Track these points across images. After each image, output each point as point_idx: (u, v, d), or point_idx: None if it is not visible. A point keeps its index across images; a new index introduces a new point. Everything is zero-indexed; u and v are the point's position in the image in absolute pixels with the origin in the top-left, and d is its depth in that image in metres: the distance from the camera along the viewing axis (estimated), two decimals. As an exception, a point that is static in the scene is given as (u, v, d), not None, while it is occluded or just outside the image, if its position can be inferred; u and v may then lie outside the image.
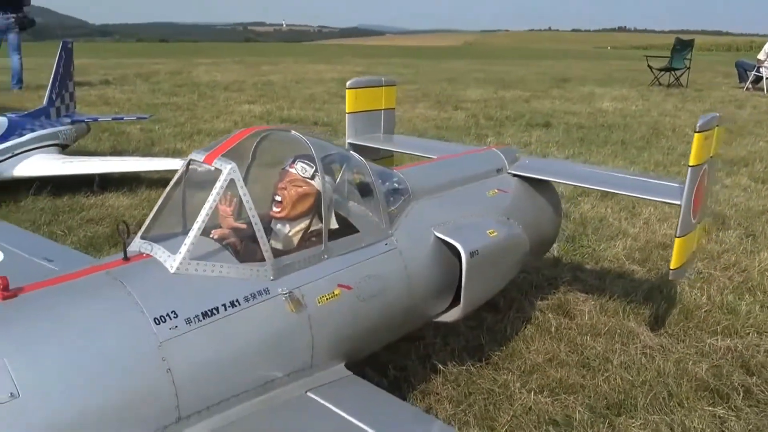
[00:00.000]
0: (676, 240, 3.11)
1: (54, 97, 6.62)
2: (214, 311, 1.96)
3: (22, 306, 1.78)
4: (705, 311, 3.96)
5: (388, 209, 2.67)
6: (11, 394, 1.57)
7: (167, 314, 1.87)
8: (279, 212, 2.42)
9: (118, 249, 2.37)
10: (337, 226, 2.51)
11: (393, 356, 3.32)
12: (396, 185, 2.86)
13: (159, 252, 2.04)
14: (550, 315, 3.88)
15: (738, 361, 3.43)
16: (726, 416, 2.99)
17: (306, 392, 2.15)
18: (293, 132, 2.46)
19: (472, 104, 13.43)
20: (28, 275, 2.07)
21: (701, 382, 3.22)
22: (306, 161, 2.43)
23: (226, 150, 2.17)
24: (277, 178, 2.47)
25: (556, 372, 3.28)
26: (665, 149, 9.04)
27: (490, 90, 16.12)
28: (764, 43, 17.33)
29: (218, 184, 2.08)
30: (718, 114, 3.20)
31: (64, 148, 6.45)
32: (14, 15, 11.76)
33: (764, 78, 16.49)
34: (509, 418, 2.91)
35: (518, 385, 3.16)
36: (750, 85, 16.93)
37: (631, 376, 3.27)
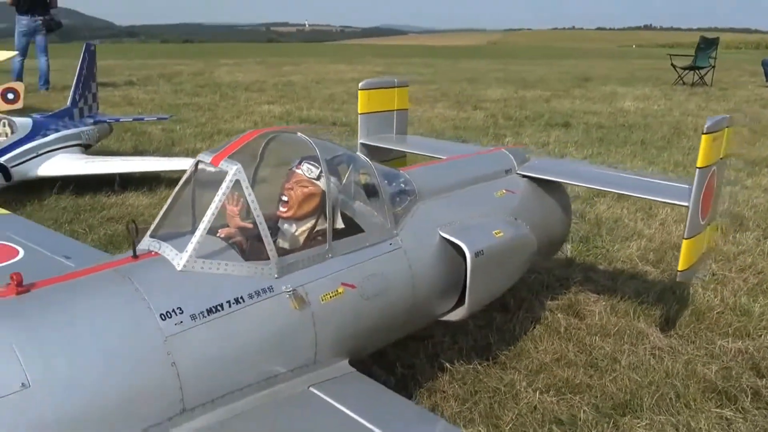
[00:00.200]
0: (684, 241, 3.11)
1: (77, 98, 6.78)
2: (219, 308, 2.03)
3: (35, 301, 1.86)
4: (717, 313, 3.94)
5: (393, 209, 2.72)
6: (22, 384, 1.65)
7: (173, 310, 1.94)
8: (286, 212, 2.48)
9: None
10: (342, 226, 2.56)
11: (401, 354, 3.37)
12: (402, 186, 2.90)
13: (167, 250, 2.11)
14: (559, 315, 3.89)
15: (748, 363, 3.42)
16: (733, 418, 2.98)
17: (309, 388, 2.20)
18: (299, 134, 2.52)
19: (492, 104, 13.40)
20: (46, 272, 2.15)
21: (709, 384, 3.22)
22: (312, 162, 2.48)
23: (232, 152, 2.24)
24: (285, 178, 2.53)
25: (563, 372, 3.30)
26: (686, 149, 8.95)
27: (511, 90, 16.06)
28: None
29: (224, 185, 2.14)
30: (728, 115, 3.19)
31: (87, 148, 6.60)
32: (41, 18, 12.01)
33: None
34: (514, 417, 2.94)
35: (524, 384, 3.18)
36: (776, 84, 16.66)
37: (639, 377, 3.27)
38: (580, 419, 2.93)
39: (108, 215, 5.43)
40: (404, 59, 30.75)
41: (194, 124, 9.94)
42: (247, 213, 2.28)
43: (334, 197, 2.53)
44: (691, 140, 9.63)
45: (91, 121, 6.81)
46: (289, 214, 2.48)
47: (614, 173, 3.85)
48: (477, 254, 2.76)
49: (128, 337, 1.87)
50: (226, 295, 2.07)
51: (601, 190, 3.93)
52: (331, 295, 2.32)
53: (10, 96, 8.65)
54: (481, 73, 21.93)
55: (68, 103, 6.77)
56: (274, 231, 2.51)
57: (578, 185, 3.73)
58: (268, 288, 2.16)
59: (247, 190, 2.18)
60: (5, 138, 5.62)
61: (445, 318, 2.98)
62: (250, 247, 2.26)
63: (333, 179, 2.53)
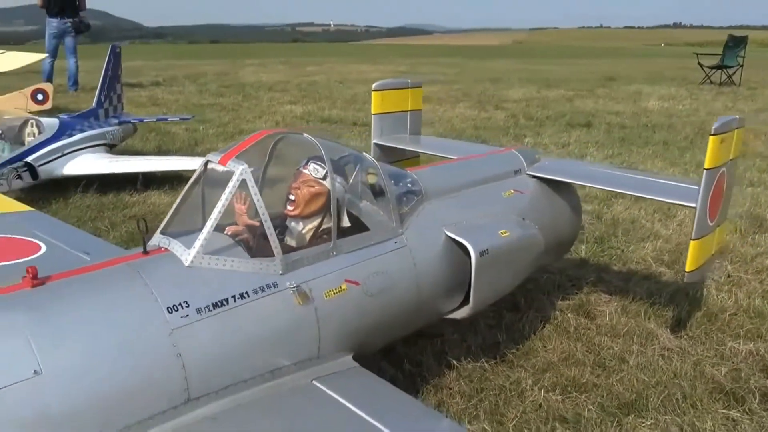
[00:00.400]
0: (691, 242, 3.12)
1: (102, 99, 6.96)
2: (224, 302, 2.11)
3: (49, 293, 1.96)
4: (730, 314, 3.92)
5: (399, 209, 2.77)
6: (35, 371, 1.75)
7: (179, 304, 2.02)
8: (293, 211, 2.55)
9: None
10: (349, 225, 2.62)
11: (409, 351, 3.42)
12: (409, 186, 2.96)
13: (175, 246, 2.20)
14: (569, 315, 3.90)
15: (759, 365, 3.41)
16: (740, 419, 2.98)
17: (312, 381, 2.27)
18: (305, 135, 2.59)
19: (514, 104, 13.37)
20: (65, 266, 2.25)
21: (717, 385, 3.21)
22: (318, 162, 2.55)
23: (239, 152, 2.32)
24: (292, 178, 2.61)
25: (570, 371, 3.32)
26: (708, 150, 8.84)
27: (533, 89, 15.99)
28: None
29: (230, 184, 2.22)
30: (737, 117, 3.18)
31: (112, 148, 6.76)
32: (71, 20, 12.30)
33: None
34: (518, 414, 2.97)
35: (530, 382, 3.21)
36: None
37: (646, 377, 3.28)
38: (584, 418, 2.96)
39: (130, 213, 5.57)
40: (428, 59, 30.76)
41: (217, 124, 10.11)
42: (254, 211, 2.35)
43: (340, 196, 2.59)
44: (715, 141, 9.51)
45: (116, 121, 6.98)
46: (296, 212, 2.55)
47: (623, 174, 3.86)
48: (482, 253, 2.80)
49: (136, 329, 1.95)
50: (232, 290, 2.14)
51: (609, 190, 3.93)
52: (334, 291, 2.39)
53: (40, 97, 8.90)
54: (505, 72, 21.85)
55: (94, 103, 6.95)
56: (282, 229, 2.59)
57: (587, 186, 3.74)
58: (273, 284, 2.24)
59: (253, 190, 2.25)
60: (33, 138, 5.79)
61: (451, 316, 3.02)
62: (256, 244, 2.33)
63: (339, 179, 2.59)
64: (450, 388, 3.18)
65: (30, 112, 7.95)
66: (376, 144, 4.30)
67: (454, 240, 2.84)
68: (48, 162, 5.77)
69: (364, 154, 2.86)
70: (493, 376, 3.28)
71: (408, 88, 4.40)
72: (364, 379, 2.42)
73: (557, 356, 3.47)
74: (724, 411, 3.03)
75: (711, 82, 17.22)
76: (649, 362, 3.42)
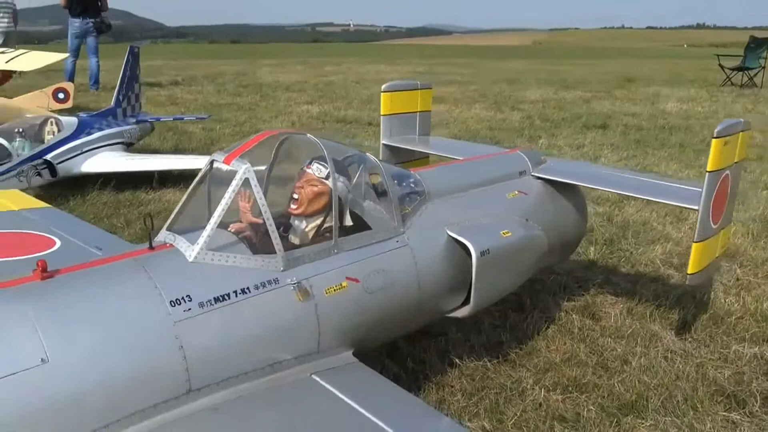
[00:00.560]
0: (694, 245, 3.13)
1: (121, 98, 7.10)
2: (226, 297, 2.18)
3: (58, 285, 2.04)
4: (736, 318, 3.91)
5: (401, 208, 2.82)
6: (42, 359, 1.83)
7: (182, 298, 2.09)
8: (296, 209, 2.62)
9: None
10: (351, 224, 2.68)
11: (413, 350, 3.47)
12: (412, 186, 3.01)
13: (180, 242, 2.27)
14: (574, 316, 3.92)
15: (762, 369, 3.40)
16: (740, 421, 2.99)
17: (311, 375, 2.33)
18: (308, 135, 2.66)
19: (530, 105, 13.35)
20: (77, 261, 2.34)
21: (719, 388, 3.22)
22: (321, 162, 2.61)
23: (243, 151, 2.38)
24: (296, 177, 2.67)
25: (572, 371, 3.34)
26: (725, 153, 8.77)
27: (551, 91, 15.94)
28: None
29: (234, 183, 2.29)
30: (742, 119, 3.19)
31: (129, 146, 6.89)
32: (93, 20, 12.52)
33: None
34: (518, 413, 3.00)
35: (531, 381, 3.25)
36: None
37: (648, 379, 3.30)
38: (584, 417, 2.98)
39: (145, 211, 5.68)
40: (447, 59, 30.76)
41: (233, 124, 10.23)
42: (257, 210, 2.41)
43: (343, 196, 2.65)
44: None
45: (134, 120, 7.12)
46: (299, 211, 2.61)
47: (628, 176, 3.87)
48: (482, 253, 2.84)
49: (140, 321, 2.03)
50: (233, 285, 2.21)
51: (613, 192, 3.95)
52: (335, 288, 2.44)
53: (61, 96, 9.09)
54: (523, 73, 21.79)
55: (112, 103, 7.09)
56: (286, 227, 2.65)
57: (591, 187, 3.76)
58: (274, 280, 2.30)
59: (256, 188, 2.32)
60: (52, 136, 5.93)
61: (452, 315, 3.06)
62: (258, 241, 2.39)
63: (342, 179, 2.65)
64: (452, 386, 3.22)
65: (51, 111, 8.15)
66: (384, 144, 4.35)
67: (455, 240, 2.89)
68: (67, 160, 5.90)
69: (368, 154, 2.92)
70: (494, 374, 3.32)
71: (417, 89, 4.45)
72: (363, 374, 2.47)
73: (560, 356, 3.50)
74: (724, 413, 3.04)
75: (732, 84, 17.04)
76: (652, 364, 3.43)
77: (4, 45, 11.78)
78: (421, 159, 4.56)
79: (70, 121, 6.19)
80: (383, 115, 4.36)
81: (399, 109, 4.39)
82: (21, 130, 5.69)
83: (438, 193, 3.05)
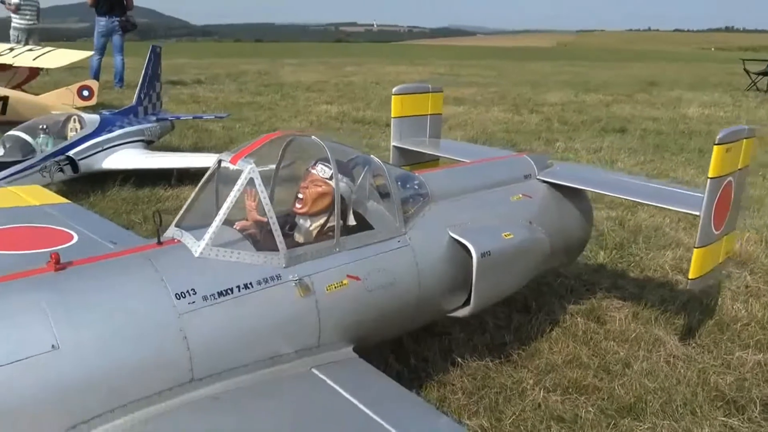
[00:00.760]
0: (695, 250, 3.15)
1: (142, 96, 7.27)
2: (229, 291, 2.27)
3: (69, 276, 2.15)
4: (742, 325, 3.92)
5: (404, 209, 2.89)
6: (53, 345, 1.93)
7: (187, 291, 2.19)
8: (301, 208, 2.70)
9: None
10: (354, 223, 2.76)
11: (417, 348, 3.54)
12: (416, 188, 3.08)
13: (187, 238, 2.37)
14: (579, 319, 3.96)
15: (765, 376, 3.41)
16: (738, 427, 3.01)
17: (311, 369, 2.41)
18: (313, 137, 2.74)
19: (549, 108, 13.33)
20: (92, 255, 2.45)
21: (719, 393, 3.24)
22: (326, 163, 2.69)
23: (249, 152, 2.48)
24: (302, 178, 2.76)
25: (573, 373, 3.38)
26: (744, 159, 8.69)
27: (571, 93, 15.89)
28: None
29: (239, 182, 2.39)
30: (746, 126, 3.20)
31: (149, 144, 7.05)
32: (118, 19, 12.78)
33: None
34: (517, 413, 3.05)
35: (531, 382, 3.29)
36: None
37: (649, 382, 3.32)
38: (581, 418, 3.02)
39: (163, 207, 5.82)
40: (469, 61, 30.72)
41: (253, 123, 10.38)
42: (262, 208, 2.50)
43: (347, 196, 2.73)
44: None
45: (154, 118, 7.28)
46: (304, 210, 2.70)
47: (632, 181, 3.89)
48: (483, 255, 2.89)
49: (146, 312, 2.13)
50: (237, 280, 2.30)
51: (616, 196, 3.98)
52: (336, 285, 2.52)
53: (86, 93, 9.32)
54: (545, 75, 21.73)
55: (134, 101, 7.26)
56: (291, 226, 2.74)
57: (595, 192, 3.80)
58: (276, 276, 2.39)
59: (260, 187, 2.41)
60: (75, 133, 6.10)
61: (453, 315, 3.12)
62: (262, 238, 2.48)
63: (346, 179, 2.73)
64: (453, 385, 3.28)
65: (76, 108, 8.36)
66: (395, 146, 4.42)
67: (457, 241, 2.95)
68: (88, 156, 6.06)
69: (372, 156, 2.99)
70: (496, 374, 3.37)
71: (428, 92, 4.51)
72: (362, 370, 2.54)
73: (562, 358, 3.53)
74: (723, 419, 3.06)
75: (757, 89, 16.83)
76: (654, 368, 3.46)
77: (27, 41, 12.05)
78: (432, 161, 4.62)
79: (93, 119, 6.36)
80: (394, 118, 4.43)
81: (410, 112, 4.46)
82: (45, 126, 5.87)
83: (441, 195, 3.12)
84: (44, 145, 5.78)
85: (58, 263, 2.15)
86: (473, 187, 3.32)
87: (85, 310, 2.06)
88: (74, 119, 6.23)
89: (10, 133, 5.78)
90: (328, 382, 2.37)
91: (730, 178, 3.16)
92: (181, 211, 2.54)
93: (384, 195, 2.89)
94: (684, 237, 5.50)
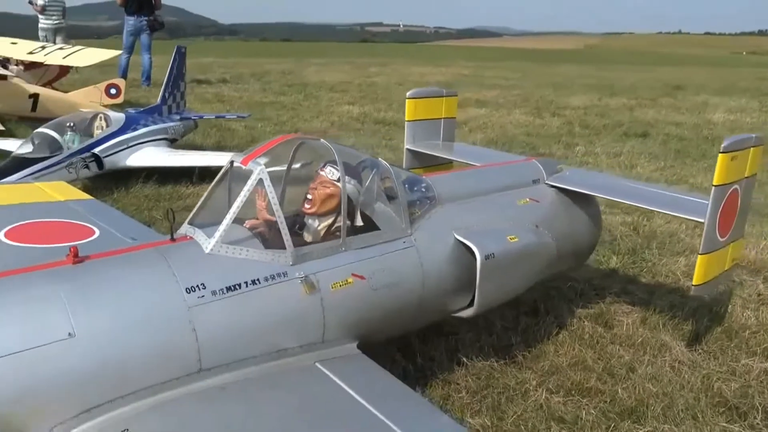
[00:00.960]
0: (699, 257, 3.18)
1: (167, 96, 7.45)
2: (237, 287, 2.37)
3: (87, 269, 2.28)
4: (751, 333, 3.92)
5: (410, 211, 2.98)
6: (69, 333, 2.06)
7: (197, 285, 2.30)
8: (309, 209, 2.80)
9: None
10: (361, 224, 2.85)
11: (424, 347, 3.61)
12: (423, 191, 3.16)
13: (199, 235, 2.49)
14: (587, 323, 3.99)
15: (770, 384, 3.42)
16: (739, 433, 3.03)
17: (315, 363, 2.51)
18: (322, 140, 2.84)
19: (572, 111, 13.28)
20: (111, 249, 2.57)
21: (722, 399, 3.26)
22: (335, 166, 2.79)
23: (260, 154, 2.58)
24: (311, 179, 2.86)
25: (577, 375, 3.43)
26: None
27: (595, 97, 15.80)
28: None
29: (249, 182, 2.49)
30: (754, 135, 3.22)
31: (173, 142, 7.22)
32: (146, 18, 13.05)
33: None
34: (519, 412, 3.11)
35: (535, 383, 3.35)
36: None
37: (653, 387, 3.35)
38: (582, 419, 3.07)
39: (184, 204, 5.97)
40: (494, 63, 30.62)
41: (275, 122, 10.53)
42: (271, 207, 2.60)
43: (355, 198, 2.82)
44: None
45: (178, 117, 7.46)
46: (312, 210, 2.80)
47: (640, 187, 3.93)
48: (487, 257, 2.96)
49: (158, 304, 2.24)
50: (245, 276, 2.41)
51: (622, 202, 4.01)
52: (341, 283, 2.62)
53: (113, 91, 9.56)
54: (569, 78, 21.60)
55: (158, 100, 7.45)
56: (301, 225, 2.84)
57: (602, 197, 3.84)
58: (283, 273, 2.49)
59: (269, 188, 2.51)
60: (101, 131, 6.29)
61: (457, 315, 3.19)
62: (270, 237, 2.59)
63: (354, 181, 2.82)
64: (457, 383, 3.35)
65: (103, 106, 8.59)
66: (408, 149, 4.50)
67: (462, 243, 3.02)
68: (113, 153, 6.24)
69: (380, 160, 3.08)
70: (500, 375, 3.43)
71: (442, 96, 4.58)
72: (365, 366, 2.62)
73: (567, 361, 3.58)
74: (724, 424, 3.09)
75: (786, 95, 16.55)
76: (658, 373, 3.49)
77: (54, 40, 12.34)
78: (445, 164, 4.69)
79: (118, 117, 6.54)
80: (408, 121, 4.52)
81: (423, 116, 4.54)
82: (72, 124, 6.06)
83: (448, 198, 3.19)
84: (71, 142, 5.96)
85: (77, 256, 2.27)
86: (480, 191, 3.39)
87: (100, 301, 2.18)
88: (100, 117, 6.42)
89: (39, 130, 5.98)
90: (331, 376, 2.46)
91: (735, 186, 3.18)
92: (194, 210, 2.65)
93: (391, 197, 2.98)
94: (699, 244, 5.47)
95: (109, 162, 6.19)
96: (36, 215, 3.76)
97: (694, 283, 3.25)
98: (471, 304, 3.16)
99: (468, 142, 9.33)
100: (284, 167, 2.92)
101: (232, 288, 2.36)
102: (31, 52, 9.24)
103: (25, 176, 5.44)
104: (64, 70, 10.84)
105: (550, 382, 3.37)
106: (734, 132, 11.29)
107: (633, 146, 9.81)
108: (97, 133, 6.26)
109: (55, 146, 5.84)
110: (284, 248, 2.52)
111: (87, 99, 9.03)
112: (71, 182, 5.05)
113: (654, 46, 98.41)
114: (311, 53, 32.95)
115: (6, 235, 3.32)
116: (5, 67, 9.30)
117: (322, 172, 2.80)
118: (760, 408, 3.19)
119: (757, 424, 3.10)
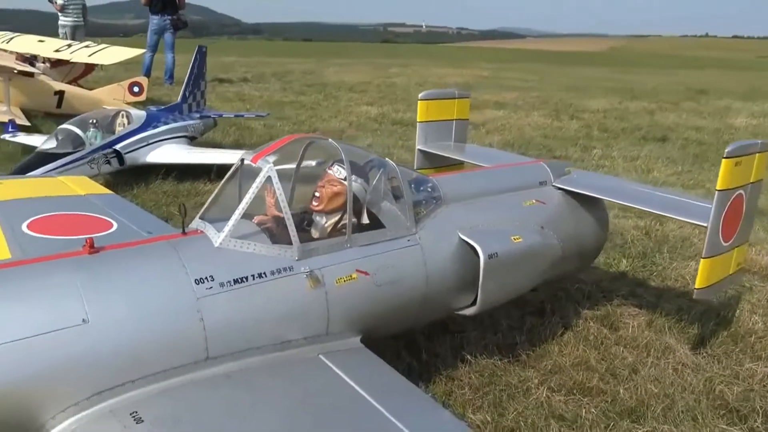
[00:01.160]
0: (702, 260, 3.22)
1: (187, 94, 7.61)
2: (244, 279, 2.47)
3: (102, 259, 2.39)
4: (757, 337, 3.94)
5: (416, 210, 3.05)
6: (83, 320, 2.17)
7: (206, 277, 2.40)
8: (317, 206, 2.89)
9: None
10: (367, 222, 2.93)
11: (429, 344, 3.69)
12: (429, 191, 3.23)
13: (209, 230, 2.59)
14: (592, 324, 4.04)
15: (772, 388, 3.44)
16: (739, 436, 3.06)
17: (318, 355, 2.60)
18: (330, 140, 2.93)
19: (591, 114, 13.23)
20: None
21: (724, 402, 3.29)
22: (342, 165, 2.87)
23: (269, 152, 2.68)
24: (319, 177, 2.95)
25: (579, 375, 3.48)
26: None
27: (615, 100, 15.70)
28: None
29: (258, 179, 2.59)
30: (759, 141, 3.25)
31: (193, 140, 7.37)
32: (170, 17, 13.27)
33: None
34: (520, 410, 3.17)
35: (537, 381, 3.40)
36: None
37: (655, 388, 3.39)
38: (581, 418, 3.12)
39: (201, 201, 6.08)
40: (515, 64, 30.50)
41: (293, 122, 10.66)
42: (279, 204, 2.70)
43: (361, 196, 2.91)
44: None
45: (198, 115, 7.61)
46: (320, 207, 2.89)
47: (645, 190, 3.96)
48: (491, 256, 3.03)
49: (168, 294, 2.35)
50: (252, 270, 2.51)
51: (626, 205, 4.04)
52: (345, 279, 2.70)
53: (136, 89, 9.76)
54: (591, 81, 21.47)
55: (179, 98, 7.61)
56: (308, 222, 2.93)
57: (607, 200, 3.88)
58: (289, 267, 2.58)
59: (277, 185, 2.61)
60: (122, 128, 6.46)
61: (459, 313, 3.26)
62: (278, 232, 2.68)
63: (361, 180, 2.91)
64: (460, 380, 3.42)
65: (126, 103, 8.78)
66: (419, 150, 4.58)
67: (466, 242, 3.09)
68: (134, 150, 6.40)
69: (388, 160, 3.16)
70: (503, 372, 3.49)
71: (455, 98, 4.65)
72: (367, 359, 2.71)
73: (570, 361, 3.63)
74: (724, 426, 3.12)
75: (812, 100, 16.30)
76: (661, 374, 3.52)
77: (74, 38, 12.57)
78: (456, 165, 4.76)
79: (140, 115, 6.71)
80: (419, 122, 4.58)
81: (435, 117, 4.61)
82: (95, 121, 6.23)
83: (454, 198, 3.26)
84: (93, 138, 6.13)
85: (92, 247, 2.39)
86: (486, 192, 3.46)
87: (113, 290, 2.29)
88: (122, 114, 6.58)
89: (63, 126, 6.16)
90: (334, 368, 2.55)
91: (740, 191, 3.21)
92: (206, 205, 2.76)
93: (397, 196, 3.06)
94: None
95: (129, 158, 6.35)
96: (58, 208, 3.90)
97: (696, 286, 3.28)
98: (474, 302, 3.23)
99: (485, 143, 9.38)
100: (293, 165, 3.01)
101: (240, 280, 2.46)
102: (57, 50, 9.46)
103: (48, 171, 5.62)
104: (90, 67, 11.07)
105: (552, 380, 3.43)
106: (756, 137, 11.20)
107: (651, 150, 9.77)
108: (119, 130, 6.42)
109: (78, 142, 6.01)
110: (291, 243, 2.61)
111: (110, 96, 9.24)
112: (93, 177, 5.21)
113: (679, 49, 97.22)
114: (333, 53, 33.12)
115: (29, 226, 3.46)
116: (32, 65, 9.53)
117: (329, 171, 2.89)
118: (760, 411, 3.21)
119: (757, 427, 3.12)
